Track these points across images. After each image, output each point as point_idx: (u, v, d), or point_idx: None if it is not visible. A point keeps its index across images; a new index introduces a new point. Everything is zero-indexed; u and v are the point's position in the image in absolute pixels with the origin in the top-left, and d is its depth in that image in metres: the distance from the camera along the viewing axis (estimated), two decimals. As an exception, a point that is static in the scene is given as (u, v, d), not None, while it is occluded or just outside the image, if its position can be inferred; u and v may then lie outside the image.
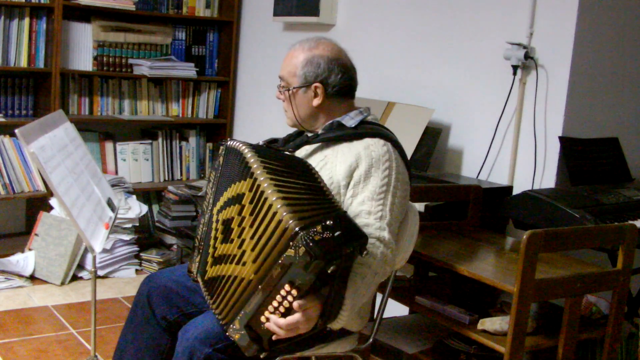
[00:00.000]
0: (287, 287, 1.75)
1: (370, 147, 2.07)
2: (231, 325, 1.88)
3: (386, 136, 2.13)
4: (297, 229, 1.71)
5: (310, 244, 1.68)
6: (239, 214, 1.90)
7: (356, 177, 2.04)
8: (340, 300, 1.87)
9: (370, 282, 1.93)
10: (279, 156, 2.02)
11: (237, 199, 1.92)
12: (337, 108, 2.20)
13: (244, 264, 1.86)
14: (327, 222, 1.72)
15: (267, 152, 2.00)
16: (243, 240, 1.87)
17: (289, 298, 1.76)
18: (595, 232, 2.21)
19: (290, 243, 1.72)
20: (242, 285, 1.86)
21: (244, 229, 1.88)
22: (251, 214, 1.85)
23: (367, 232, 1.87)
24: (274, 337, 1.82)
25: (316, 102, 2.18)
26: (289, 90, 2.19)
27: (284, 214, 1.74)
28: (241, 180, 1.92)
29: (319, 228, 1.71)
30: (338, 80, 2.17)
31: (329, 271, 1.72)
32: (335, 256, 1.71)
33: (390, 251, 1.97)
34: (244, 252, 1.86)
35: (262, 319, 1.82)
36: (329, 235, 1.71)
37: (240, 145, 1.98)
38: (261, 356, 1.87)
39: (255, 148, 1.97)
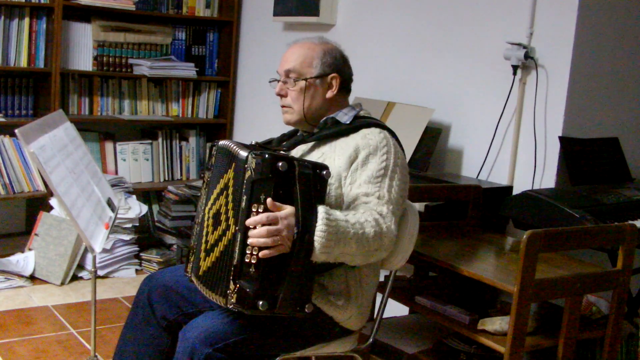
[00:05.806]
0: (254, 206, 1.79)
1: (368, 136, 2.09)
2: (229, 299, 1.82)
3: (381, 125, 2.16)
4: (245, 154, 1.85)
5: (258, 152, 1.84)
6: (226, 197, 1.92)
7: (354, 165, 2.05)
8: (313, 212, 1.82)
9: (352, 230, 1.86)
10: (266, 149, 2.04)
11: (225, 189, 1.94)
12: (341, 104, 2.21)
13: (228, 227, 1.87)
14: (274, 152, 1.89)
15: (255, 147, 2.01)
16: (229, 218, 1.89)
17: (261, 210, 1.80)
18: (595, 232, 2.21)
19: (245, 166, 1.82)
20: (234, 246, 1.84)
21: (229, 209, 1.89)
22: (235, 192, 1.88)
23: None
24: (261, 254, 1.77)
25: (330, 94, 2.17)
26: (305, 80, 2.15)
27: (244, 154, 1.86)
28: (228, 171, 1.94)
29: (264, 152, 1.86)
30: (349, 74, 2.22)
31: (280, 168, 1.79)
32: (280, 157, 1.81)
33: (386, 225, 1.93)
34: (230, 225, 1.88)
35: (247, 258, 1.80)
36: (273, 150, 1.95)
37: (229, 142, 2.01)
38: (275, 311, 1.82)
39: (244, 145, 1.98)
